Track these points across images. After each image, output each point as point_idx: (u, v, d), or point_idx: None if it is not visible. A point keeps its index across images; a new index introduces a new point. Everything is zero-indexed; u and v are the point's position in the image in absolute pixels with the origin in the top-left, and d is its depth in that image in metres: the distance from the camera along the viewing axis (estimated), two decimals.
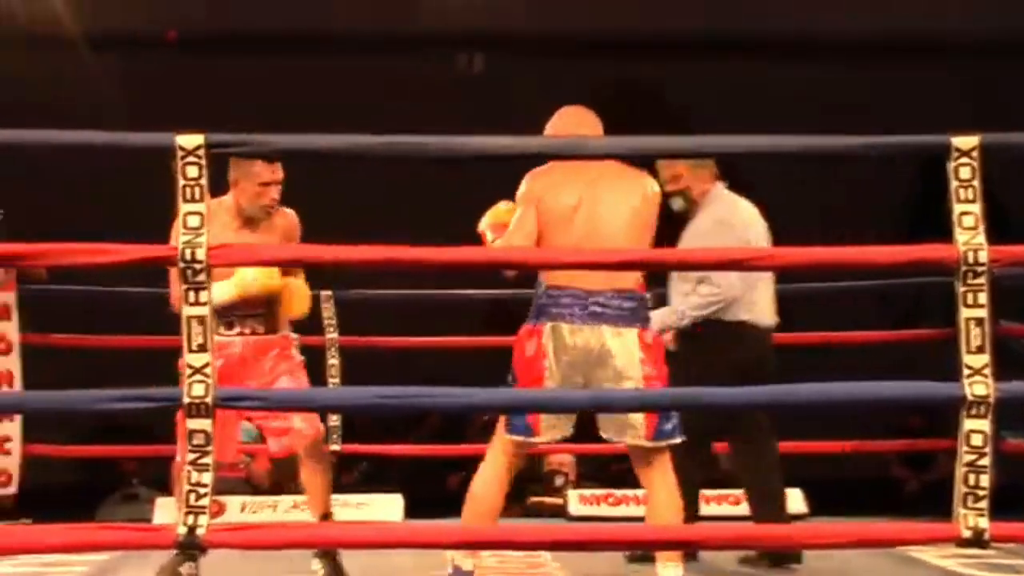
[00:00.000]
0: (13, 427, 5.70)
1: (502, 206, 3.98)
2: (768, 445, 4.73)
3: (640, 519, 5.69)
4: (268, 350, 4.25)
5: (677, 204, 4.57)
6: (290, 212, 4.32)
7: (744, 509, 5.28)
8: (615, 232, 3.67)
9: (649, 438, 3.67)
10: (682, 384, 3.79)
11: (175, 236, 3.04)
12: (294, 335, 4.36)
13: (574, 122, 3.85)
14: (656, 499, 3.71)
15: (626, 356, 3.63)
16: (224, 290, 4.01)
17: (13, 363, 5.73)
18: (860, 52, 8.83)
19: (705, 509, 5.91)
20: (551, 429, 3.72)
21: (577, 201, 3.69)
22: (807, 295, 5.54)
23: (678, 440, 3.71)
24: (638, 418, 3.64)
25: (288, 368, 4.25)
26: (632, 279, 3.67)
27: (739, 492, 6.04)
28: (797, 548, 4.26)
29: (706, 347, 4.50)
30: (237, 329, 4.24)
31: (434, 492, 8.43)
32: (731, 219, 4.56)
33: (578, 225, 3.68)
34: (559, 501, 6.52)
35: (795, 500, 5.90)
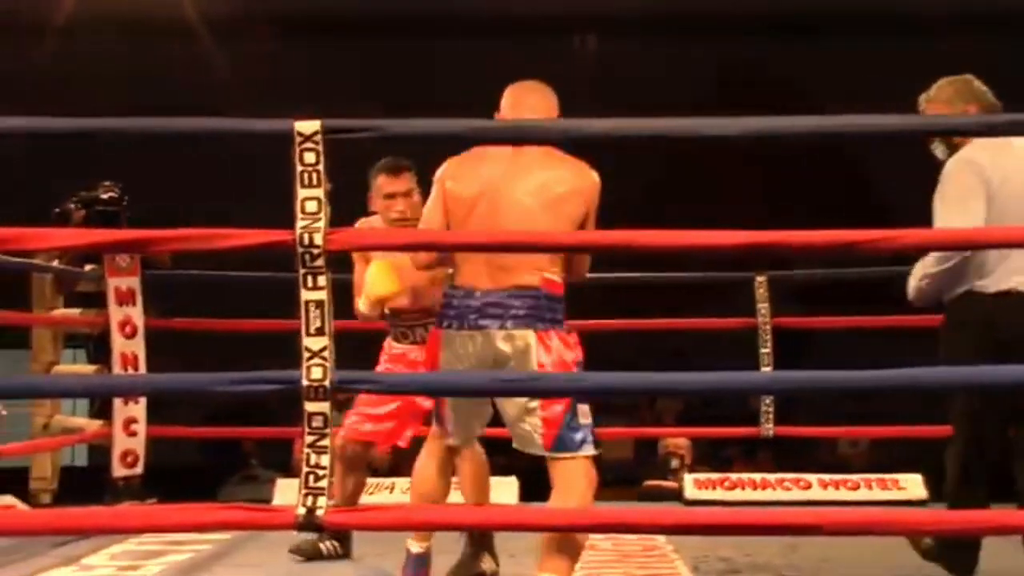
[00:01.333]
0: (139, 409, 5.83)
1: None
2: None
3: (758, 503, 5.68)
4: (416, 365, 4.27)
5: (939, 151, 4.11)
6: None
7: (863, 495, 5.21)
8: (516, 225, 3.33)
9: (547, 449, 3.33)
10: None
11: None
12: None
13: (529, 102, 3.48)
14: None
15: (521, 361, 3.32)
16: (361, 304, 4.17)
17: (138, 347, 5.85)
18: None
19: (822, 494, 5.86)
20: (457, 434, 3.58)
21: (478, 191, 3.39)
22: None
23: (589, 452, 3.35)
24: (537, 428, 3.32)
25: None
26: (536, 277, 3.33)
27: (856, 477, 5.97)
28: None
29: (958, 321, 3.85)
30: (411, 338, 4.37)
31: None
32: (978, 157, 3.80)
33: (477, 216, 3.38)
34: (674, 485, 6.49)
35: (915, 486, 5.81)
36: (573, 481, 3.34)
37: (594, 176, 3.45)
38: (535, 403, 3.30)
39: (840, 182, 10.09)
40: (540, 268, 3.34)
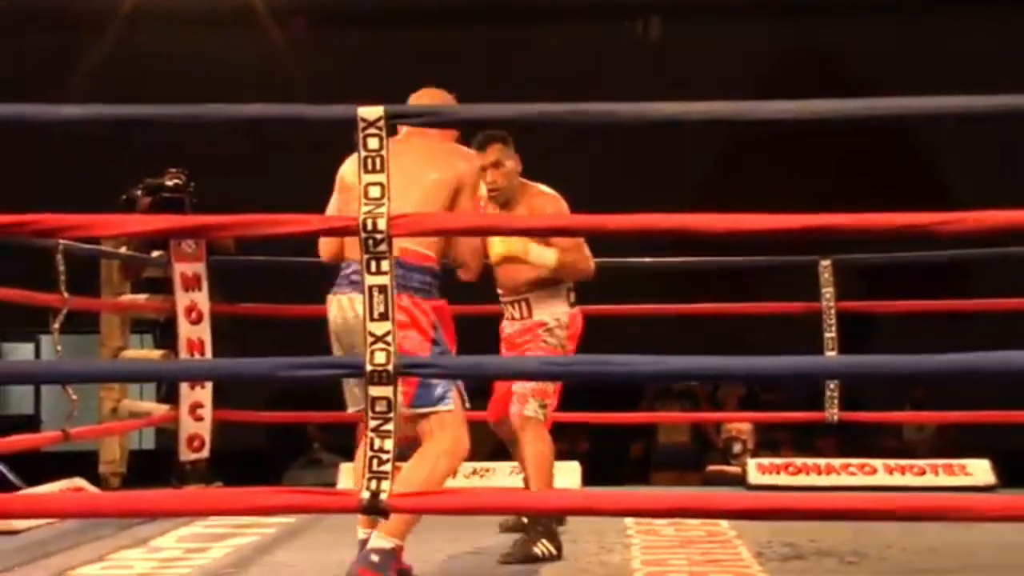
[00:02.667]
0: (205, 394, 5.89)
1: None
2: None
3: (822, 489, 5.64)
4: (524, 334, 4.40)
5: None
6: (551, 193, 4.42)
7: (929, 480, 5.16)
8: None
9: (407, 406, 3.37)
10: None
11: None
12: (553, 320, 4.40)
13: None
14: (406, 467, 3.43)
15: (353, 322, 3.43)
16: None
17: (204, 332, 5.91)
18: None
19: (887, 480, 5.81)
20: (353, 404, 3.63)
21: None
22: None
23: (448, 408, 3.46)
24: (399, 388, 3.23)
25: (534, 351, 4.36)
26: (396, 248, 3.28)
27: (922, 463, 5.92)
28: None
29: None
30: (508, 314, 4.49)
31: (615, 460, 8.48)
32: None
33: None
34: (737, 470, 6.47)
35: (982, 471, 5.75)
36: (435, 436, 3.45)
37: (463, 164, 3.63)
38: None
39: (904, 164, 9.99)
40: (398, 241, 3.38)
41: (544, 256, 4.28)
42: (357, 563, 3.45)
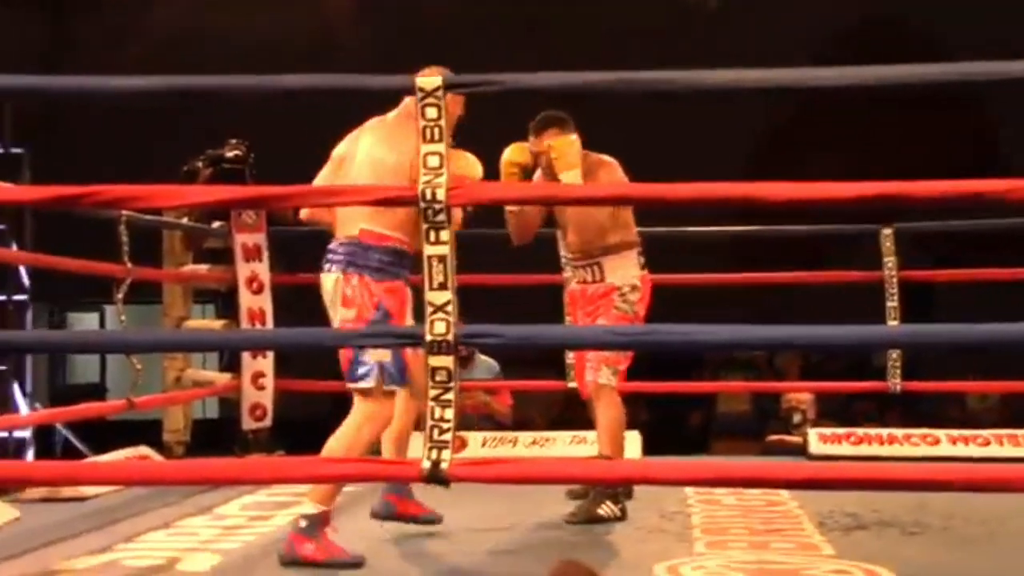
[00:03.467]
0: (266, 363, 5.93)
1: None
2: None
3: (884, 459, 5.61)
4: (597, 299, 4.43)
5: None
6: (610, 162, 4.43)
7: (993, 451, 5.11)
8: (355, 181, 3.76)
9: (347, 380, 3.77)
10: None
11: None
12: (627, 285, 4.40)
13: None
14: (331, 437, 3.71)
15: (332, 298, 3.78)
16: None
17: (265, 302, 5.95)
18: None
19: (951, 450, 5.76)
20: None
21: (344, 152, 3.90)
22: None
23: (369, 385, 3.70)
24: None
25: (604, 316, 4.38)
26: (357, 229, 3.73)
27: (986, 433, 5.86)
28: None
29: None
30: (578, 277, 4.52)
31: (675, 429, 8.46)
32: None
33: (341, 175, 3.85)
34: (798, 439, 6.43)
35: None
36: (355, 408, 3.75)
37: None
38: None
39: (967, 132, 9.85)
40: (359, 222, 3.72)
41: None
42: (290, 530, 3.71)
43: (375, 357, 3.70)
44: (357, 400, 3.77)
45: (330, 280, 3.79)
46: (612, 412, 4.39)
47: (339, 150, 3.95)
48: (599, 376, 4.37)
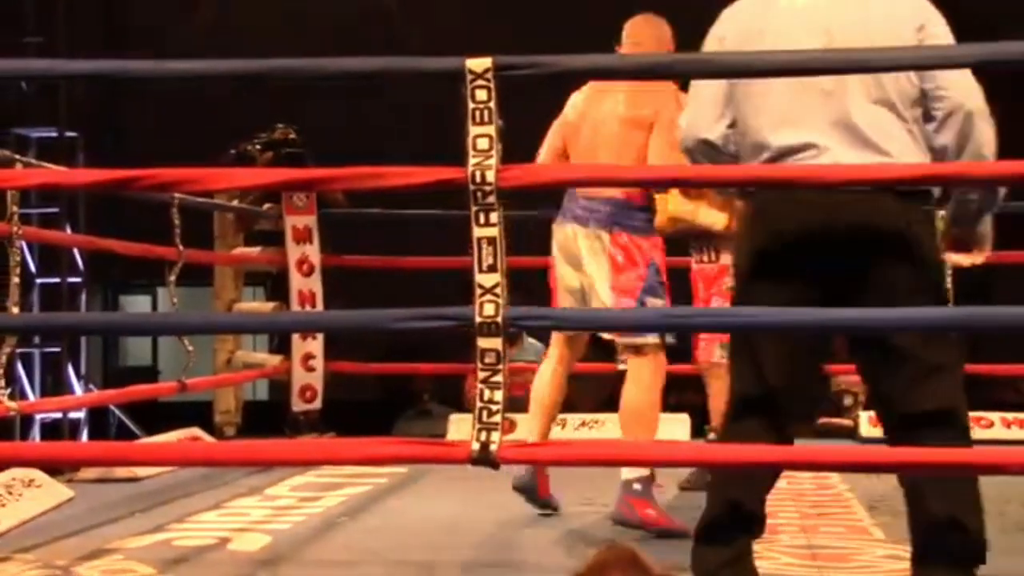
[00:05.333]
0: (316, 345, 5.96)
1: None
2: None
3: None
4: (712, 277, 4.52)
5: None
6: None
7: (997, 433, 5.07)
8: (601, 145, 3.91)
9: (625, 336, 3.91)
10: None
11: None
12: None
13: (638, 36, 4.02)
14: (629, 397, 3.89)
15: (581, 254, 3.92)
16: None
17: (315, 284, 5.98)
18: None
19: (1005, 433, 5.71)
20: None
21: (578, 118, 4.01)
22: None
23: (655, 340, 3.82)
24: None
25: (717, 295, 4.45)
26: (619, 191, 3.87)
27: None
28: None
29: None
30: (696, 256, 4.63)
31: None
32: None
33: (580, 138, 3.98)
34: (848, 423, 6.39)
35: None
36: (639, 367, 3.87)
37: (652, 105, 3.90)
38: None
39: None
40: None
41: (712, 217, 4.22)
42: (623, 494, 3.79)
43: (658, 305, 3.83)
44: (636, 357, 3.88)
45: (587, 237, 3.89)
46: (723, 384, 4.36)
47: (573, 115, 4.03)
48: (712, 355, 4.48)
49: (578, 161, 3.99)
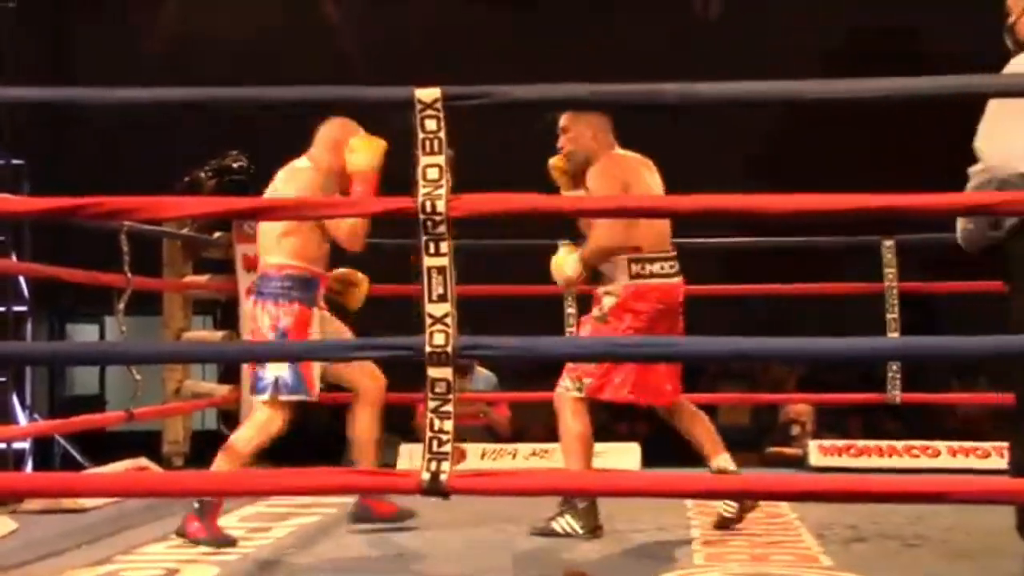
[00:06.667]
0: None
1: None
2: None
3: (884, 470, 5.60)
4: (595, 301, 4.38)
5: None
6: (596, 166, 4.32)
7: (994, 463, 5.09)
8: None
9: (252, 392, 4.22)
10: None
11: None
12: (611, 289, 4.27)
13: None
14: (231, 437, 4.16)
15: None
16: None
17: None
18: None
19: (951, 462, 5.76)
20: None
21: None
22: None
23: (265, 397, 4.10)
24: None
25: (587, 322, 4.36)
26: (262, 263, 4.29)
27: (987, 445, 5.85)
28: None
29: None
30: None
31: (674, 441, 8.44)
32: None
33: None
34: (798, 452, 6.43)
35: None
36: (250, 423, 4.18)
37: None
38: None
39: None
40: (262, 255, 4.27)
41: (575, 268, 4.30)
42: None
43: (273, 371, 4.08)
44: (257, 407, 4.18)
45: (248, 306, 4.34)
46: (565, 424, 4.28)
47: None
48: (559, 386, 4.29)
49: None
